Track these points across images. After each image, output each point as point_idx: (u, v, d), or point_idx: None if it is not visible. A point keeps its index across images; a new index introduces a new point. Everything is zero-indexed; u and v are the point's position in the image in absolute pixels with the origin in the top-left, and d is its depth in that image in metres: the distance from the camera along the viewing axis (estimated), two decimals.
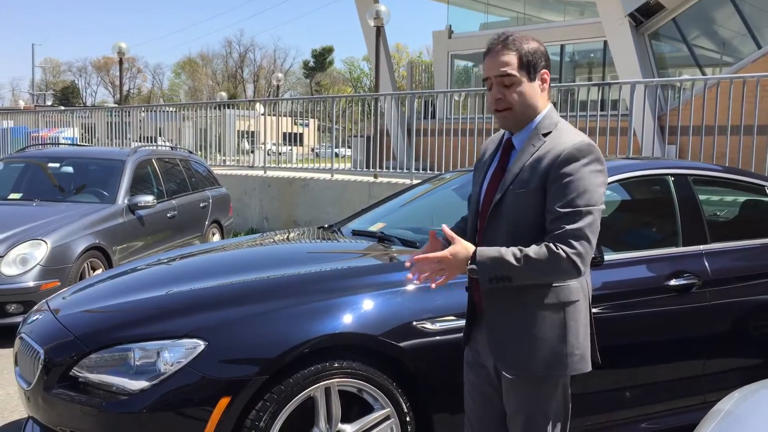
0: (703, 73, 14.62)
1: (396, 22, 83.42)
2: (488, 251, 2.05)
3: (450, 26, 19.14)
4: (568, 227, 2.04)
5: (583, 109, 8.56)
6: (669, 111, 10.47)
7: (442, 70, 18.97)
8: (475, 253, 2.04)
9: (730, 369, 3.45)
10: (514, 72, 2.14)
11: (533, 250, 2.04)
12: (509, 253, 2.04)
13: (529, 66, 2.15)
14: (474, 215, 2.30)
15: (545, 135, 2.17)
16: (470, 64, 20.40)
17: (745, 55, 13.96)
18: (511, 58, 2.14)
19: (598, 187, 2.10)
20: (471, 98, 11.86)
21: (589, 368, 2.25)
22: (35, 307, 3.38)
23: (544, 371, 2.17)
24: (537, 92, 2.18)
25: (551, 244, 2.05)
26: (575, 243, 2.04)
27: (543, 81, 2.19)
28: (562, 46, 17.70)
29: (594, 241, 2.07)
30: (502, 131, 2.35)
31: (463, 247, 2.06)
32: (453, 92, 13.21)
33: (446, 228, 2.11)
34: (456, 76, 20.41)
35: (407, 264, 2.13)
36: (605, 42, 15.72)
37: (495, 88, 2.16)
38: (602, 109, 8.24)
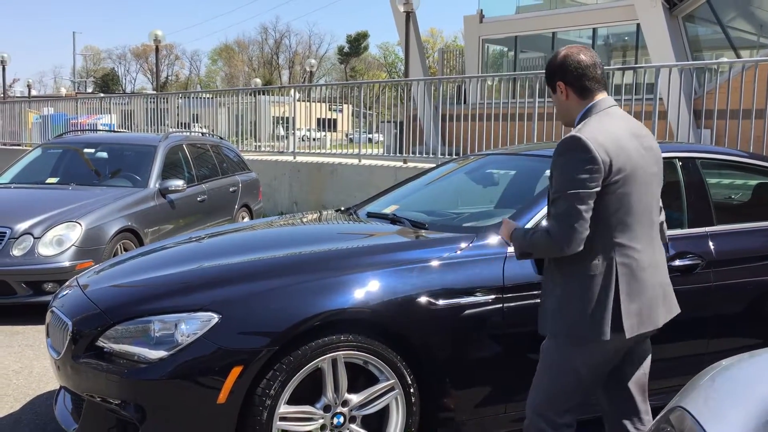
0: (738, 56, 14.38)
1: (431, 6, 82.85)
2: (519, 230, 2.53)
3: (481, 10, 19.08)
4: (551, 210, 2.38)
5: (618, 93, 8.52)
6: (700, 95, 10.36)
7: (473, 55, 18.95)
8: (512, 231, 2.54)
9: (733, 348, 3.51)
10: (549, 85, 2.56)
11: (536, 230, 2.43)
12: (526, 231, 2.50)
13: (549, 81, 2.54)
14: None
15: None
16: (503, 48, 20.33)
17: None
18: (545, 73, 2.57)
19: (578, 174, 2.30)
20: (504, 83, 11.88)
21: (603, 338, 2.38)
22: (66, 284, 3.60)
23: (551, 332, 2.47)
24: (562, 100, 2.52)
25: (544, 224, 2.42)
26: (553, 225, 2.35)
27: (561, 91, 2.51)
28: (595, 30, 17.56)
29: (571, 222, 2.30)
30: None
31: (512, 224, 2.59)
32: (483, 77, 13.23)
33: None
34: (490, 60, 20.35)
35: None
36: (638, 25, 15.54)
37: None
38: (637, 93, 8.22)
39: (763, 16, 15.43)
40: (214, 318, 2.76)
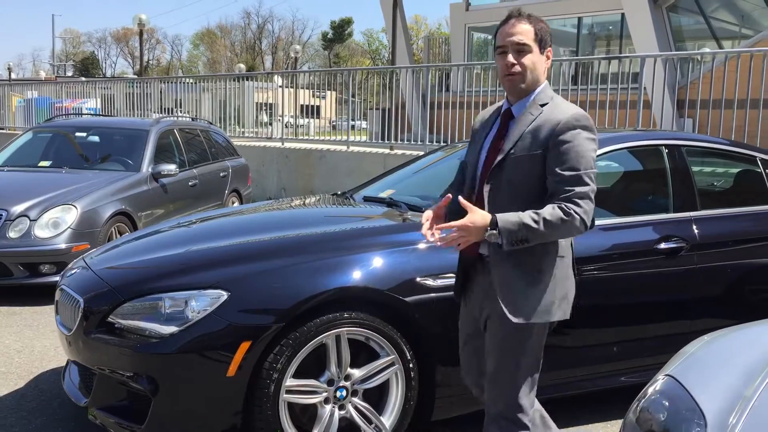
0: (721, 46, 14.61)
1: None
2: (508, 217, 2.24)
3: None
4: (576, 189, 2.28)
5: (601, 82, 8.67)
6: (683, 85, 10.56)
7: (459, 43, 19.03)
8: (495, 220, 2.24)
9: (715, 327, 3.67)
10: (530, 42, 2.38)
11: (549, 213, 2.25)
12: (527, 217, 2.24)
13: (541, 40, 2.41)
14: (471, 179, 2.52)
15: (542, 105, 2.41)
16: (489, 36, 20.41)
17: (765, 28, 13.93)
18: (528, 29, 2.39)
19: (592, 153, 2.35)
20: (491, 71, 11.98)
21: (566, 317, 2.47)
22: (72, 263, 3.69)
23: (539, 318, 2.40)
24: (543, 65, 2.43)
25: (563, 205, 2.26)
26: (582, 203, 2.28)
27: (547, 57, 2.45)
28: (580, 18, 17.70)
29: (591, 200, 2.31)
30: (495, 106, 2.60)
31: (480, 215, 2.25)
32: (469, 65, 13.33)
33: (462, 199, 2.29)
34: (475, 48, 20.46)
35: (428, 233, 2.32)
36: (623, 14, 15.70)
37: (511, 54, 2.38)
38: (621, 82, 8.39)
39: (745, 7, 15.66)
40: (224, 295, 2.87)
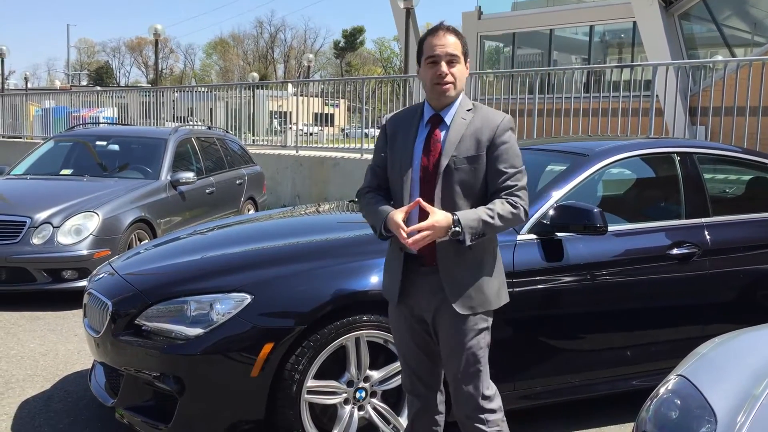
0: (733, 54, 14.63)
1: (427, 1, 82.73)
2: (468, 215, 2.41)
3: (479, 7, 19.28)
4: (518, 184, 2.50)
5: (613, 89, 8.73)
6: (695, 92, 10.59)
7: (471, 51, 19.05)
8: (457, 218, 2.39)
9: (726, 332, 3.72)
10: (459, 54, 2.53)
11: (500, 208, 2.44)
12: (483, 213, 2.42)
13: (465, 53, 2.57)
14: (406, 181, 2.53)
15: (468, 111, 2.56)
16: (501, 45, 20.54)
17: None
18: (457, 42, 2.54)
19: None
20: (504, 79, 12.07)
21: (507, 300, 2.64)
22: (98, 268, 3.80)
23: (493, 306, 2.56)
24: (465, 74, 2.59)
25: (510, 200, 2.46)
26: (523, 195, 2.50)
27: (467, 68, 2.59)
28: (592, 27, 17.77)
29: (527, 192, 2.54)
30: (406, 110, 2.72)
31: (443, 215, 2.39)
32: (481, 73, 13.42)
33: (422, 201, 2.42)
34: (487, 56, 20.57)
35: (406, 238, 2.38)
36: (634, 23, 15.77)
37: (443, 65, 2.51)
38: (633, 90, 8.47)
39: (757, 15, 15.68)
40: (247, 298, 2.97)
